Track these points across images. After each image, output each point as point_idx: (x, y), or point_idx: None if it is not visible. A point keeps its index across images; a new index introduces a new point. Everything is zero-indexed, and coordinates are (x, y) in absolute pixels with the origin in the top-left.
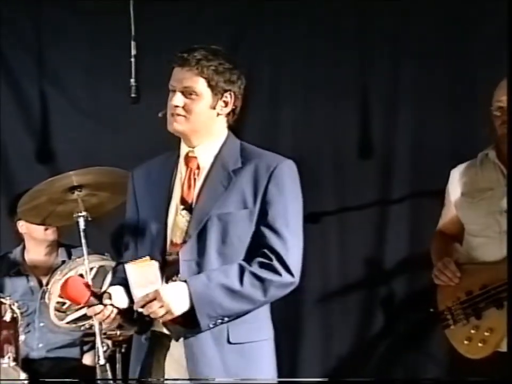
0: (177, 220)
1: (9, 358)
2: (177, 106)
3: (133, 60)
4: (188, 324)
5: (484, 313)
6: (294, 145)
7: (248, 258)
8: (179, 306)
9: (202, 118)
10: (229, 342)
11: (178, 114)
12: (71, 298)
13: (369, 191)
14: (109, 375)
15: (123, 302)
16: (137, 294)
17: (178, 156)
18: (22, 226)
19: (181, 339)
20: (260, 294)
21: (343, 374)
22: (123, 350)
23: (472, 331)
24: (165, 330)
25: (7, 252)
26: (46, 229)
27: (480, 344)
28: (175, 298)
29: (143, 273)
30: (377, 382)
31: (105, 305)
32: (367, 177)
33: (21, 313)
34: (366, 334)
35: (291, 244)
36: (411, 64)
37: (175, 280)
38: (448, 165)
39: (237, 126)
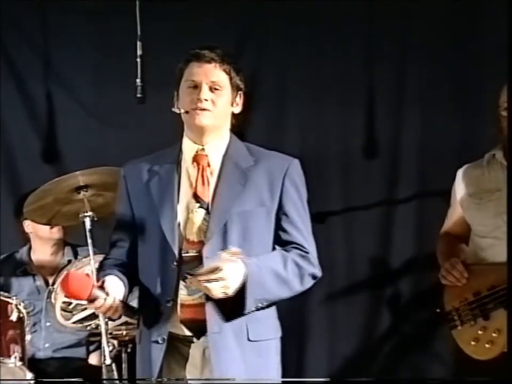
0: (192, 218)
1: (15, 357)
2: (206, 99)
3: (139, 60)
4: (227, 306)
5: (492, 314)
6: (301, 145)
7: None
8: (235, 285)
9: (224, 113)
10: (248, 339)
11: (205, 109)
12: (74, 294)
13: (375, 191)
14: (115, 375)
15: (120, 292)
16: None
17: (180, 154)
18: (28, 225)
19: (201, 338)
20: (298, 282)
21: (349, 374)
22: (129, 350)
23: (480, 332)
24: (185, 331)
25: (14, 251)
26: (51, 228)
27: (487, 345)
28: (235, 277)
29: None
30: (383, 382)
31: (107, 295)
32: (373, 177)
33: (27, 312)
34: (372, 334)
35: (311, 241)
36: (417, 64)
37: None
38: (454, 165)
39: (240, 127)
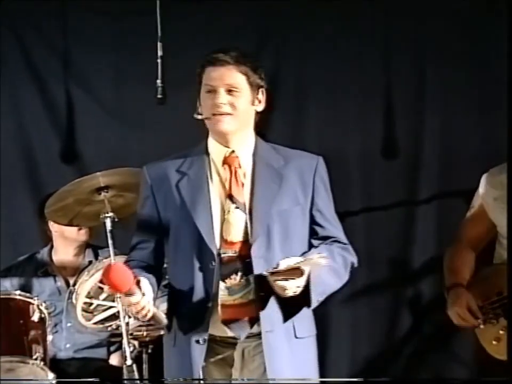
0: (228, 218)
1: (37, 358)
2: (223, 103)
3: (159, 60)
4: (288, 304)
5: None
6: (320, 145)
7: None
8: (303, 284)
9: (245, 114)
10: (295, 336)
11: (224, 113)
12: (114, 285)
13: (395, 191)
14: (136, 376)
15: (152, 295)
16: (283, 262)
17: (207, 155)
18: (53, 225)
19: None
20: (346, 273)
21: (369, 374)
22: (150, 351)
23: (501, 332)
24: (226, 332)
25: (34, 252)
26: (79, 229)
27: None
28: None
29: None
30: (404, 382)
31: (143, 294)
32: (393, 177)
33: (49, 313)
34: (393, 334)
35: (344, 234)
36: (438, 64)
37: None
38: (474, 166)
39: (262, 126)
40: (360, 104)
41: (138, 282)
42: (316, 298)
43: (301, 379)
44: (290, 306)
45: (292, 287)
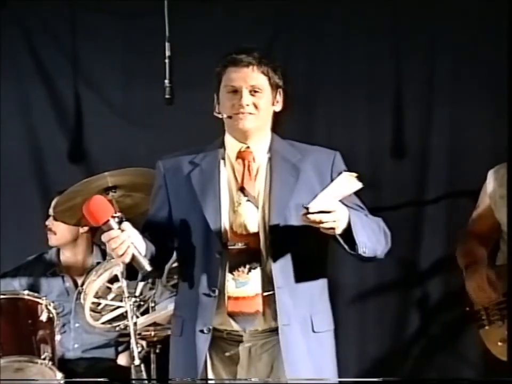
0: (238, 210)
1: (45, 357)
2: (248, 105)
3: (167, 61)
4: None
5: None
6: (329, 145)
7: None
8: (343, 225)
9: (267, 114)
10: (313, 331)
11: (248, 113)
12: (92, 215)
13: (403, 191)
14: (144, 376)
15: (137, 238)
16: (322, 199)
17: (223, 148)
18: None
19: (247, 337)
20: (385, 242)
21: (377, 373)
22: (157, 351)
23: (507, 333)
24: (232, 325)
25: (43, 252)
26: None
27: None
28: (343, 218)
29: (347, 186)
30: (411, 382)
31: (122, 230)
32: (402, 177)
33: (57, 313)
34: (401, 334)
35: None
36: (447, 63)
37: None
38: (484, 165)
39: (277, 125)
40: (369, 104)
41: (120, 220)
42: (361, 245)
43: (303, 379)
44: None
45: (329, 221)
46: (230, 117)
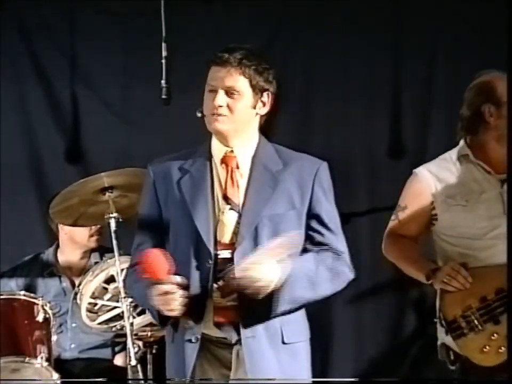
0: (222, 219)
1: (42, 358)
2: (220, 106)
3: (164, 61)
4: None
5: (502, 318)
6: (326, 146)
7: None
8: (272, 284)
9: (244, 117)
10: (283, 342)
11: (221, 114)
12: (151, 270)
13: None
14: (140, 376)
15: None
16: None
17: (210, 153)
18: (64, 227)
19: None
20: (328, 287)
21: (374, 375)
22: (154, 351)
23: (492, 337)
24: (218, 333)
25: (39, 252)
26: (90, 236)
27: (501, 350)
28: (270, 276)
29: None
30: (408, 382)
31: (178, 286)
32: (398, 178)
33: (54, 313)
34: (397, 335)
35: (344, 242)
36: (444, 64)
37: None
38: None
39: (268, 127)
40: (367, 105)
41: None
42: (282, 308)
43: (300, 379)
44: (258, 310)
45: (252, 287)
46: (205, 116)
